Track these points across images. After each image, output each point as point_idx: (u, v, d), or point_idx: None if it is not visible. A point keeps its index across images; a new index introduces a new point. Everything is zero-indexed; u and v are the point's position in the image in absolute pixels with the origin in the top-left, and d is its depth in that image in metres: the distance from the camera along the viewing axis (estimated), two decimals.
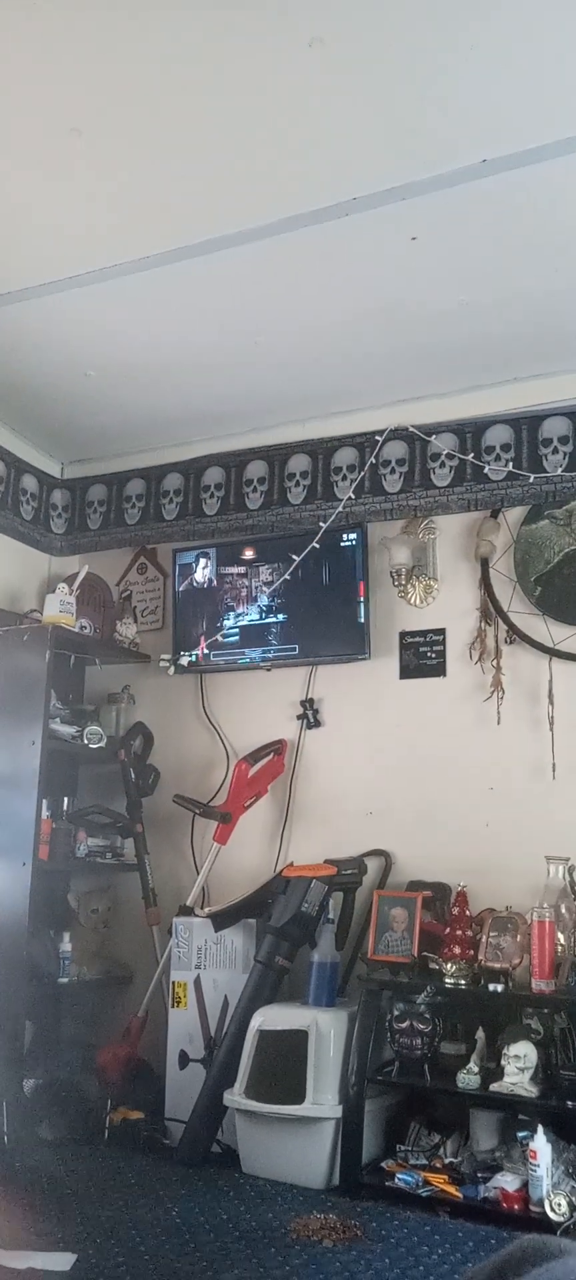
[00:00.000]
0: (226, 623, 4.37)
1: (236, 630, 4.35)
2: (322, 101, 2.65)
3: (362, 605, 4.13)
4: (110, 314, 3.67)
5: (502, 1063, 3.20)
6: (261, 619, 4.33)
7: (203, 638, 4.37)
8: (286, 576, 4.21)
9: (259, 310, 3.62)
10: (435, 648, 4.07)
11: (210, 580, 4.47)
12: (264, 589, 4.31)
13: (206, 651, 4.37)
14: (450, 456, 4.05)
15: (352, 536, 4.18)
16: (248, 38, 2.47)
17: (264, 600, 4.31)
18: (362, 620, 4.12)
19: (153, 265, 3.34)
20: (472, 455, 4.00)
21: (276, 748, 4.27)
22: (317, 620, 4.22)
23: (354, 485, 4.19)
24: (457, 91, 2.61)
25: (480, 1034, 3.35)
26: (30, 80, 2.61)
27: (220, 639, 4.36)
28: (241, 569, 4.41)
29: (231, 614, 4.37)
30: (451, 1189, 3.12)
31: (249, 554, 4.41)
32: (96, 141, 2.82)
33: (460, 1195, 3.10)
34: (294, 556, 4.19)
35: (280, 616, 4.29)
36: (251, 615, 4.34)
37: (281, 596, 4.28)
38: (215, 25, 2.43)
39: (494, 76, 2.55)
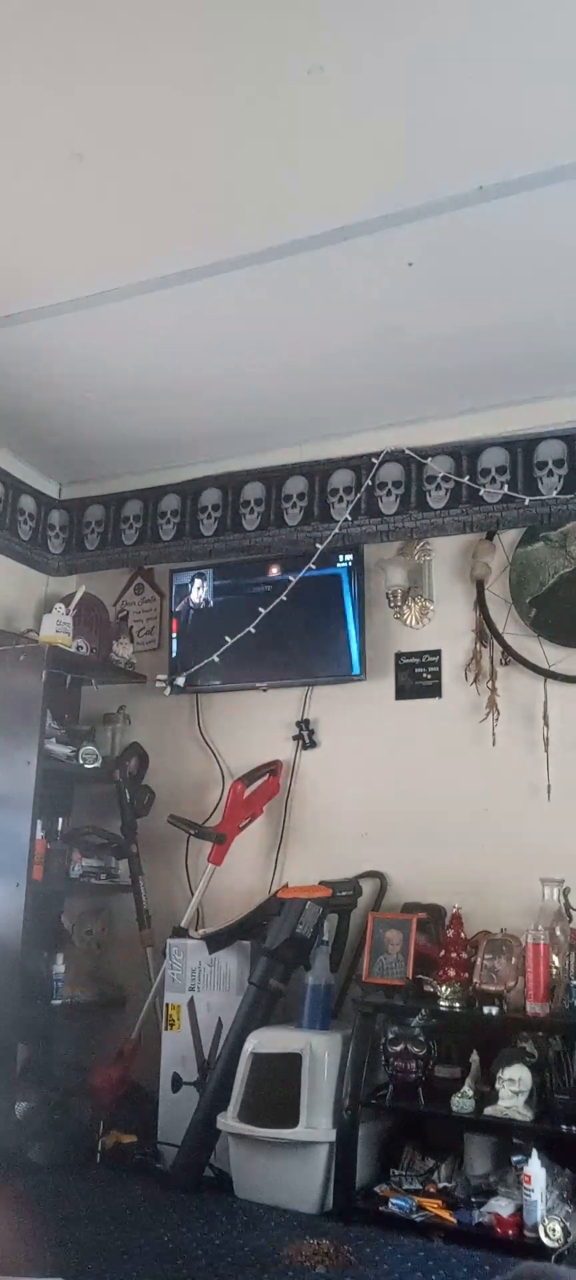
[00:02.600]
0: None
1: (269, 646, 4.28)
2: (321, 127, 2.68)
3: (358, 626, 4.13)
4: (110, 336, 3.69)
5: (497, 1086, 3.18)
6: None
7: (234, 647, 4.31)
8: (283, 597, 4.22)
9: (256, 333, 3.64)
10: (430, 669, 4.07)
11: (207, 601, 4.48)
12: (260, 609, 4.30)
13: (202, 672, 4.38)
14: (446, 479, 4.07)
15: (349, 558, 4.19)
16: (248, 64, 2.49)
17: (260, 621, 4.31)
18: (358, 641, 4.13)
19: (152, 289, 3.37)
20: (468, 478, 4.02)
21: (272, 768, 4.27)
22: (314, 641, 4.22)
23: (350, 507, 4.21)
24: (454, 119, 2.64)
25: (474, 1057, 3.33)
26: (33, 104, 2.63)
27: (216, 659, 4.36)
28: (237, 589, 4.41)
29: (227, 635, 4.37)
30: (445, 1214, 3.10)
31: (245, 575, 4.41)
32: (97, 166, 2.84)
33: (454, 1220, 3.08)
34: (290, 577, 4.21)
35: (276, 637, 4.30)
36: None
37: (278, 617, 4.28)
38: (215, 51, 2.46)
39: (490, 104, 2.58)
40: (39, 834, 4.05)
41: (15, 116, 2.68)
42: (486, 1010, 3.31)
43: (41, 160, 2.82)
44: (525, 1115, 3.12)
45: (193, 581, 4.51)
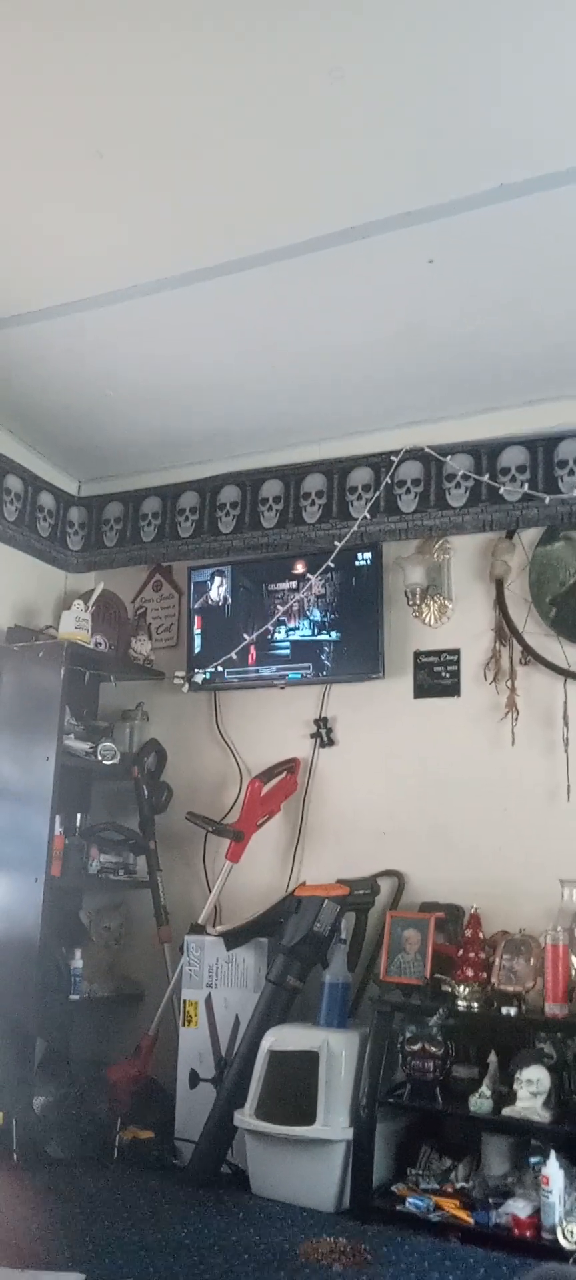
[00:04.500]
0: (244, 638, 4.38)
1: (288, 644, 4.31)
2: (341, 127, 2.68)
3: (377, 624, 4.13)
4: (130, 334, 3.70)
5: (515, 1087, 3.17)
6: (276, 637, 4.34)
7: (253, 644, 4.36)
8: (301, 595, 4.23)
9: (276, 331, 3.64)
10: (449, 668, 4.06)
11: (225, 598, 4.49)
12: (279, 607, 4.31)
13: (220, 669, 4.39)
14: (465, 477, 4.05)
15: (367, 556, 4.18)
16: (268, 66, 2.50)
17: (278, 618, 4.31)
18: (377, 639, 4.12)
19: (172, 286, 3.38)
20: (488, 476, 4.00)
21: (289, 766, 4.27)
22: (332, 639, 4.22)
23: (369, 505, 4.20)
24: (475, 116, 2.63)
25: (492, 1057, 3.32)
26: (55, 103, 2.64)
27: (234, 656, 4.37)
28: (255, 586, 4.42)
29: (246, 632, 4.37)
30: (462, 1214, 3.09)
31: (263, 572, 4.42)
32: (118, 165, 2.85)
33: (471, 1221, 3.07)
34: (308, 576, 4.21)
35: (295, 635, 4.30)
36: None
37: (295, 615, 4.29)
38: (237, 53, 2.46)
39: (511, 102, 2.57)
40: (57, 830, 4.06)
41: (37, 115, 2.69)
42: (504, 1010, 3.29)
43: (62, 158, 2.83)
44: (543, 1116, 3.11)
45: (212, 579, 4.52)
